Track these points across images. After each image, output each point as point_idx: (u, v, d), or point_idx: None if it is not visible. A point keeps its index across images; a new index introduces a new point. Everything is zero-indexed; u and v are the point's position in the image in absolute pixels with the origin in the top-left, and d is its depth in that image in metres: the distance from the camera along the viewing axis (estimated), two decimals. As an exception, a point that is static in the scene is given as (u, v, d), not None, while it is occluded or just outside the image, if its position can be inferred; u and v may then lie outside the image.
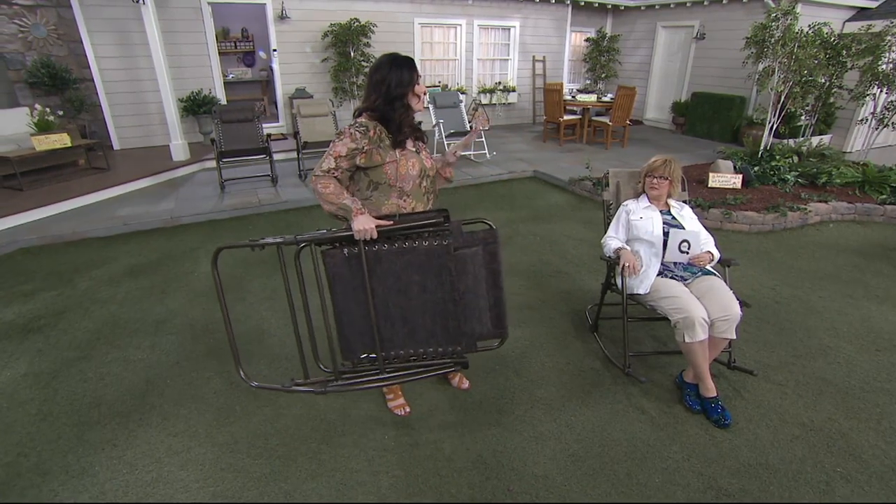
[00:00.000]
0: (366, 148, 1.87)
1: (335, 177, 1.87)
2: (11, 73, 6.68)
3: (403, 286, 1.82)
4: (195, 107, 7.33)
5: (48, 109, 5.75)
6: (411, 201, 2.00)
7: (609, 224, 2.86)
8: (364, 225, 1.73)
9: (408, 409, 2.39)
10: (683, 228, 2.61)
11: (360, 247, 1.75)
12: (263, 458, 2.12)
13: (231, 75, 9.46)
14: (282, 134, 8.13)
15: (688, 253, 2.49)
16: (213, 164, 6.11)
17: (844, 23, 8.20)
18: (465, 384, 2.57)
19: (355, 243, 1.76)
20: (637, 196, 2.84)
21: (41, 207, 4.97)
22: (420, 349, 1.92)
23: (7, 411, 2.40)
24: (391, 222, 1.78)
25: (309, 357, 1.97)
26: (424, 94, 1.98)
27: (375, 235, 1.75)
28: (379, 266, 1.80)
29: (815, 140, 7.35)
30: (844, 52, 6.17)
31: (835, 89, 6.66)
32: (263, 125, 6.31)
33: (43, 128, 5.59)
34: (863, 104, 6.86)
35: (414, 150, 2.00)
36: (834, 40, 6.13)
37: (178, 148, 6.66)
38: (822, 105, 7.00)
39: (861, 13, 8.21)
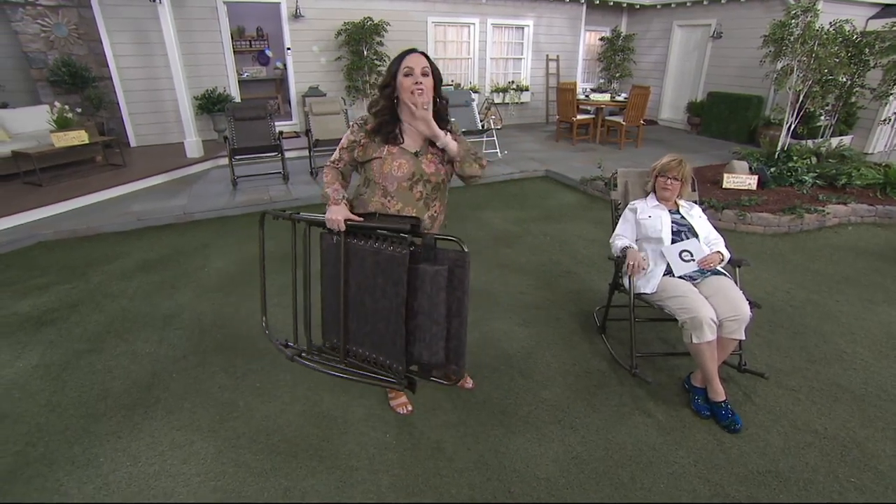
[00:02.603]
0: (363, 141, 1.92)
1: (337, 168, 1.97)
2: (34, 71, 6.85)
3: (370, 286, 1.80)
4: (210, 105, 7.42)
5: (67, 107, 5.87)
6: (396, 203, 1.94)
7: (616, 224, 2.81)
8: (333, 216, 1.81)
9: (409, 408, 2.37)
10: (691, 229, 2.56)
11: (341, 237, 1.82)
12: (264, 454, 2.13)
13: (246, 74, 9.54)
14: (295, 132, 8.19)
15: (692, 261, 2.44)
16: (226, 161, 6.17)
17: (868, 20, 7.97)
18: (469, 384, 2.55)
19: (339, 233, 1.83)
20: (646, 196, 2.79)
21: (59, 203, 5.07)
22: (373, 353, 1.89)
23: (18, 401, 2.45)
24: (360, 219, 1.82)
25: (301, 330, 2.10)
26: (417, 84, 1.78)
27: (342, 228, 1.80)
28: (355, 259, 1.83)
29: (834, 141, 7.17)
30: (867, 50, 5.99)
31: (857, 88, 6.47)
32: (277, 123, 6.36)
33: (62, 125, 5.71)
34: (886, 104, 6.66)
35: (413, 151, 1.92)
36: (856, 38, 5.96)
37: (193, 145, 6.76)
38: (842, 105, 6.81)
39: (885, 10, 7.97)
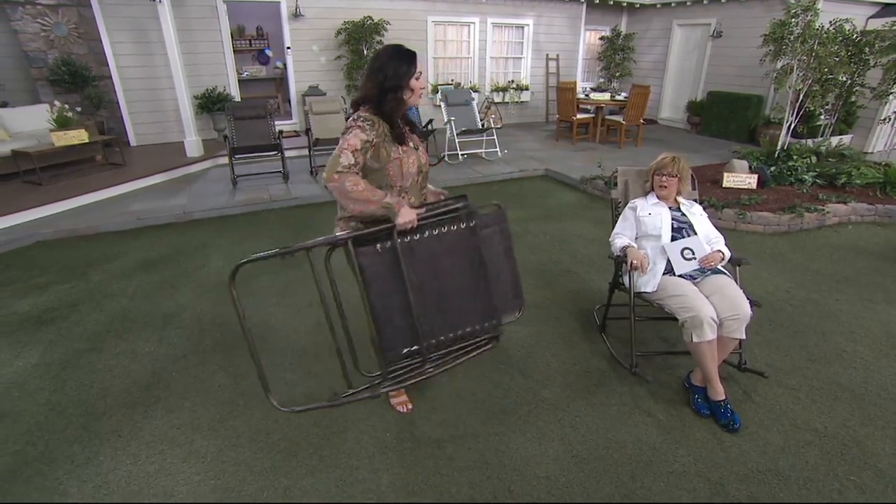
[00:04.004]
0: (374, 141, 1.82)
1: (357, 174, 1.76)
2: (34, 70, 6.84)
3: (436, 272, 1.86)
4: (210, 104, 7.42)
5: (67, 106, 5.86)
6: (410, 197, 1.98)
7: (616, 222, 2.81)
8: (410, 216, 1.75)
9: (410, 406, 2.38)
10: (692, 226, 2.56)
11: (392, 240, 1.75)
12: (264, 453, 2.13)
13: (245, 73, 9.53)
14: (295, 131, 8.19)
15: (693, 259, 2.44)
16: (226, 160, 6.17)
17: (868, 19, 7.97)
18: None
19: (385, 238, 1.75)
20: (645, 195, 2.79)
21: (59, 202, 5.08)
22: (458, 331, 1.95)
23: (18, 400, 2.45)
24: (424, 210, 1.84)
25: (343, 367, 1.94)
26: (422, 88, 1.95)
27: (416, 224, 1.77)
28: (412, 256, 1.81)
29: (834, 140, 7.17)
30: (867, 49, 5.99)
31: (856, 88, 6.47)
32: (277, 122, 6.36)
33: (62, 124, 5.70)
34: (886, 103, 6.66)
35: (413, 146, 1.99)
36: (856, 37, 5.96)
37: (193, 144, 6.76)
38: (842, 104, 6.81)
39: (885, 9, 7.97)
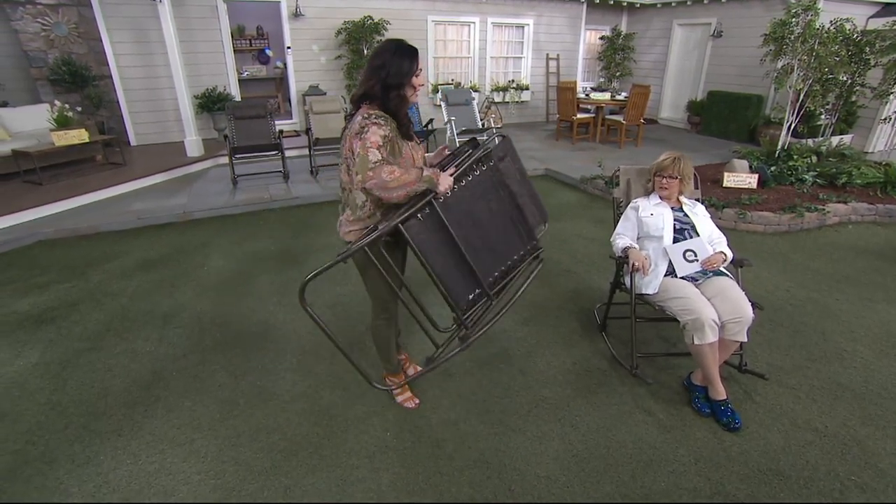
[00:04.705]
0: (391, 136, 1.82)
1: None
2: (34, 70, 6.83)
3: (475, 218, 1.98)
4: (210, 104, 7.41)
5: (67, 106, 5.86)
6: None
7: (618, 221, 2.81)
8: (448, 181, 1.82)
9: (417, 402, 2.39)
10: (694, 227, 2.55)
11: (433, 207, 1.84)
12: (264, 452, 2.13)
13: (246, 73, 9.53)
14: (295, 131, 8.19)
15: (696, 261, 2.43)
16: (226, 160, 6.17)
17: (868, 19, 7.97)
18: (418, 368, 2.58)
19: (422, 208, 1.82)
20: (647, 194, 2.79)
21: (59, 201, 5.07)
22: (508, 262, 2.10)
23: (18, 400, 2.45)
24: (454, 170, 1.90)
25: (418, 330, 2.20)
26: (422, 84, 1.94)
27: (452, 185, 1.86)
28: (450, 213, 1.89)
29: (835, 140, 7.16)
30: (868, 48, 5.98)
31: (857, 87, 6.46)
32: (277, 122, 6.36)
33: (62, 124, 5.70)
34: (886, 102, 6.65)
35: (416, 142, 2.00)
36: (857, 37, 5.95)
37: (193, 144, 6.76)
38: (843, 104, 6.80)
39: (886, 9, 7.97)
